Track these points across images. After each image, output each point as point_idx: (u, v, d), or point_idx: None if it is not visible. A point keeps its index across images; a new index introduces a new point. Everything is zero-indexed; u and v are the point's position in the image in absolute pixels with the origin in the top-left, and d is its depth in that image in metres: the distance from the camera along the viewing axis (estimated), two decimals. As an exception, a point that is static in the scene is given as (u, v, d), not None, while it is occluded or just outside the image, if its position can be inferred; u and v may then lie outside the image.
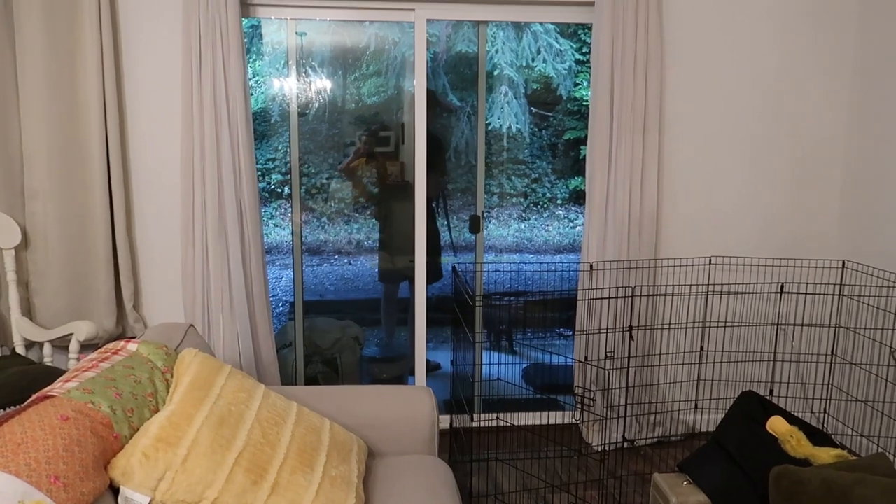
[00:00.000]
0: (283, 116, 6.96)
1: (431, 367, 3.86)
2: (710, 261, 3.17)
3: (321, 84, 6.92)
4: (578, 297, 3.00)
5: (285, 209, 7.28)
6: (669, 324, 3.14)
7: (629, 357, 2.98)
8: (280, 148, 7.26)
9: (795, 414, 2.46)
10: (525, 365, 4.00)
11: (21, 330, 2.60)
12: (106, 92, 2.68)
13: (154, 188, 2.89)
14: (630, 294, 2.97)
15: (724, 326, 3.17)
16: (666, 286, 3.13)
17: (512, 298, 4.36)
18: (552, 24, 7.17)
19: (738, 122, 3.12)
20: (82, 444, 1.31)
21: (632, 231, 3.01)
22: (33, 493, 1.13)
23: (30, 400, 1.42)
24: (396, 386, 2.16)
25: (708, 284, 3.16)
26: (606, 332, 2.98)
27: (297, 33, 3.53)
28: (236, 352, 2.81)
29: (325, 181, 6.96)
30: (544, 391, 3.71)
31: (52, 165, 2.66)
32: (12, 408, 2.20)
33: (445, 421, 3.20)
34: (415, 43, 3.07)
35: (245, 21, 2.92)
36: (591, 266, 3.01)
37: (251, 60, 6.62)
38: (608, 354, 2.96)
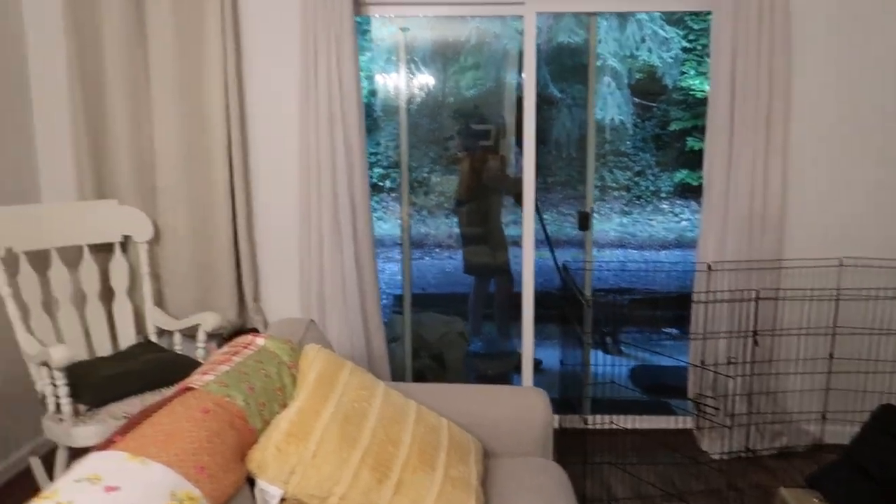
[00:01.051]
0: (385, 111, 7.08)
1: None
2: (841, 263, 2.95)
3: (423, 79, 6.98)
4: (695, 300, 2.87)
5: (386, 203, 7.42)
6: (795, 329, 2.95)
7: (751, 363, 2.83)
8: (381, 142, 7.40)
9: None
10: (632, 365, 3.89)
11: (154, 319, 2.78)
12: (229, 94, 2.80)
13: (273, 185, 3.00)
14: (754, 297, 2.81)
15: (857, 333, 2.94)
16: (792, 289, 2.94)
17: (619, 296, 4.24)
18: (659, 11, 6.89)
19: (870, 114, 2.87)
20: (222, 436, 1.37)
21: (753, 230, 2.84)
22: (183, 483, 1.19)
23: (172, 391, 1.50)
24: (509, 387, 2.14)
25: (838, 288, 2.94)
26: (728, 337, 2.84)
27: (400, 29, 3.56)
28: (349, 345, 2.88)
29: (425, 175, 7.04)
30: (653, 393, 3.58)
31: (180, 164, 2.81)
32: (149, 392, 2.36)
33: (554, 421, 3.15)
34: (524, 37, 3.02)
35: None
36: (709, 266, 2.87)
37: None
38: (731, 360, 2.82)
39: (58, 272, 2.58)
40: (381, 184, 7.44)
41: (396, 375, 3.42)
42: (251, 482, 1.46)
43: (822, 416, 3.02)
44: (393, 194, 7.32)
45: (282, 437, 1.47)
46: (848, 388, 3.00)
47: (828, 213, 2.94)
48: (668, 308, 4.19)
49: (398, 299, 4.97)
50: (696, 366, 2.92)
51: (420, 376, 3.59)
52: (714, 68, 2.84)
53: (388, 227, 6.99)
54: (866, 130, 2.89)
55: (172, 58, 2.76)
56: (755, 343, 2.81)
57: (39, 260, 2.61)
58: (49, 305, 2.64)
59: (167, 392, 2.36)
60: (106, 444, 1.25)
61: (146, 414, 1.37)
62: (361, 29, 6.30)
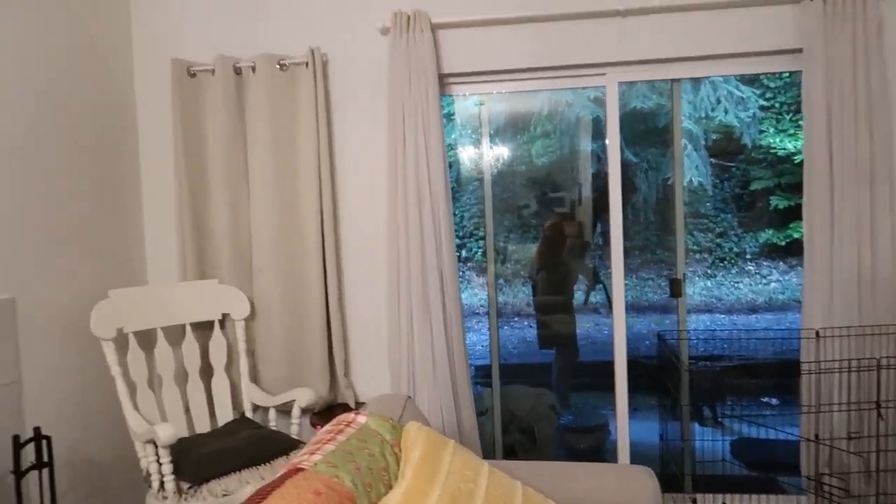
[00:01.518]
0: (460, 183, 7.21)
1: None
2: (966, 325, 2.73)
3: (496, 149, 7.10)
4: (804, 370, 2.70)
5: (462, 272, 7.46)
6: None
7: (877, 437, 2.61)
8: (457, 213, 7.50)
9: None
10: (733, 439, 3.66)
11: (250, 395, 2.83)
12: (321, 178, 2.92)
13: (362, 261, 3.06)
14: (875, 366, 2.63)
15: None
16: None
17: (713, 364, 4.05)
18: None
19: None
20: (335, 520, 1.35)
21: (863, 293, 2.68)
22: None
23: (282, 473, 1.50)
24: (614, 465, 2.05)
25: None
26: (847, 410, 2.64)
27: (480, 104, 3.66)
28: (440, 420, 2.84)
29: (501, 244, 7.06)
30: (759, 469, 3.35)
31: (275, 245, 2.92)
32: (247, 470, 2.38)
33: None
34: (606, 106, 3.04)
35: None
36: (818, 333, 2.71)
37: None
38: (852, 434, 2.62)
39: (162, 350, 2.69)
40: (458, 254, 7.51)
41: (487, 451, 3.34)
42: (361, 568, 1.43)
43: (960, 496, 2.73)
44: (469, 264, 7.36)
45: (391, 520, 1.45)
46: None
47: (944, 272, 2.75)
48: (768, 376, 3.96)
49: (479, 370, 4.91)
50: (812, 440, 2.72)
51: (510, 451, 3.49)
52: (809, 128, 2.76)
53: (465, 296, 7.00)
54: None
55: (268, 146, 2.91)
56: (879, 416, 2.60)
57: (145, 339, 2.73)
58: (153, 383, 2.74)
59: (265, 468, 2.38)
60: (225, 528, 1.26)
61: (261, 496, 1.37)
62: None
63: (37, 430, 2.18)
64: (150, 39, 3.12)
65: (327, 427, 1.80)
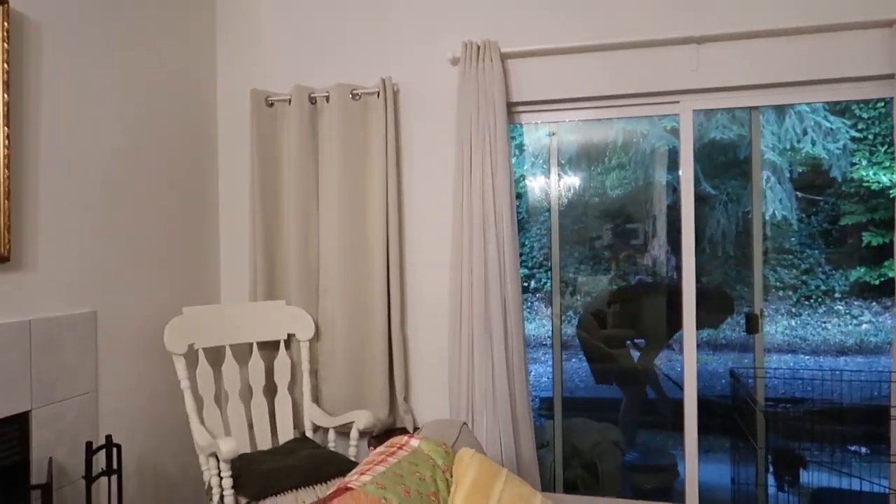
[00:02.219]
0: (530, 213, 7.17)
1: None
2: None
3: (568, 180, 7.04)
4: (894, 415, 2.50)
5: (531, 303, 7.37)
6: None
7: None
8: (526, 243, 7.45)
9: None
10: (815, 487, 3.41)
11: (311, 415, 2.87)
12: (388, 202, 2.97)
13: (426, 286, 3.08)
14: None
15: None
16: None
17: (790, 406, 3.80)
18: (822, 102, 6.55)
19: None
20: (379, 541, 1.34)
21: (962, 335, 2.47)
22: (342, 590, 1.16)
23: (332, 491, 1.50)
24: (678, 506, 1.94)
25: None
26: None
27: (549, 134, 3.64)
28: (498, 449, 2.78)
29: (571, 275, 6.94)
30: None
31: (342, 267, 2.97)
32: (304, 488, 2.40)
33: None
34: (681, 134, 2.96)
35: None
36: (909, 376, 2.51)
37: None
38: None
39: (229, 367, 2.77)
40: (525, 284, 7.45)
41: (546, 484, 3.25)
42: None
43: None
44: (538, 294, 7.26)
45: (437, 546, 1.42)
46: None
47: None
48: (855, 422, 3.68)
49: (544, 402, 4.81)
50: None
51: (571, 486, 3.38)
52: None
53: (532, 327, 6.90)
54: None
55: (339, 172, 2.98)
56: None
57: (214, 356, 2.82)
58: (219, 398, 2.82)
59: (321, 488, 2.39)
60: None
61: (307, 512, 1.37)
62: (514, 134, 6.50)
63: (108, 437, 2.27)
64: (233, 70, 3.28)
65: (380, 448, 1.79)
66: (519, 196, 7.19)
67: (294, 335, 2.96)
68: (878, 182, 6.68)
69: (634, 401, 4.13)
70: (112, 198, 2.59)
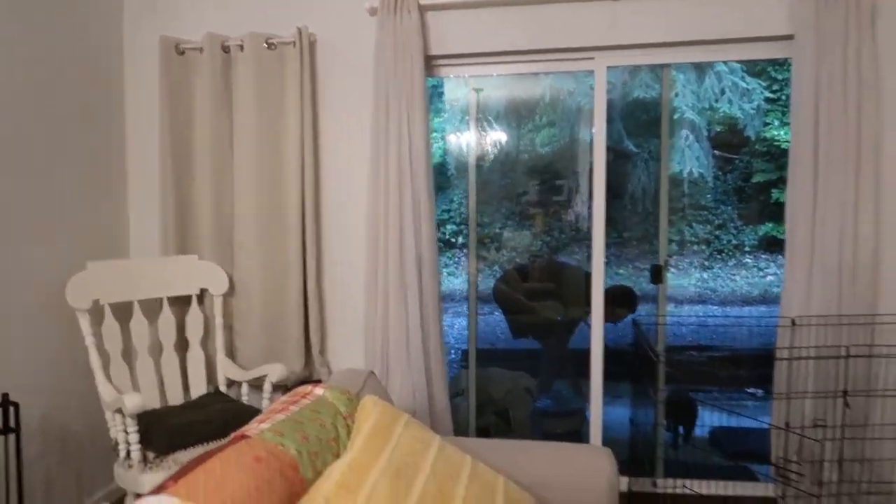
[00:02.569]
0: (458, 169, 7.19)
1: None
2: (945, 318, 2.70)
3: (496, 136, 7.07)
4: (778, 356, 2.69)
5: (458, 258, 7.45)
6: (893, 390, 2.70)
7: (842, 426, 2.60)
8: (455, 199, 7.50)
9: None
10: (712, 427, 3.66)
11: (224, 370, 2.85)
12: (304, 156, 2.92)
13: (342, 241, 3.07)
14: (844, 354, 2.61)
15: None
16: (888, 346, 2.71)
17: (696, 353, 4.03)
18: (736, 62, 6.77)
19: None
20: (272, 484, 1.36)
21: (843, 283, 2.66)
22: (228, 531, 1.18)
23: (228, 439, 1.52)
24: (573, 444, 2.05)
25: (942, 346, 2.69)
26: (815, 397, 2.63)
27: (474, 89, 3.64)
28: (411, 398, 2.85)
29: (498, 230, 7.05)
30: (734, 458, 3.35)
31: (257, 223, 2.93)
32: (215, 442, 2.40)
33: (623, 483, 2.99)
34: (594, 90, 3.02)
35: (429, 80, 3.05)
36: (793, 321, 2.69)
37: (430, 117, 6.96)
38: (818, 422, 2.61)
39: (138, 323, 2.71)
40: (453, 240, 7.50)
41: (460, 431, 3.35)
42: (300, 534, 1.44)
43: (930, 489, 2.72)
44: (465, 250, 7.35)
45: (332, 488, 1.45)
46: (960, 459, 2.70)
47: (926, 265, 2.73)
48: (751, 367, 3.94)
49: (466, 354, 4.92)
50: (780, 428, 2.71)
51: (484, 433, 3.51)
52: (795, 117, 2.73)
53: (460, 282, 7.00)
54: (965, 176, 2.69)
55: (254, 124, 2.91)
56: (846, 405, 2.59)
57: (122, 311, 2.75)
58: (128, 355, 2.76)
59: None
60: (159, 489, 1.27)
61: (200, 460, 1.38)
62: (437, 91, 6.49)
63: (4, 396, 2.21)
64: (140, 17, 3.13)
65: (283, 398, 1.81)
66: (448, 153, 7.19)
67: (207, 290, 2.91)
68: (788, 141, 7.02)
69: (551, 352, 4.28)
70: (6, 147, 2.45)
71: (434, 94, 6.56)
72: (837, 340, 2.65)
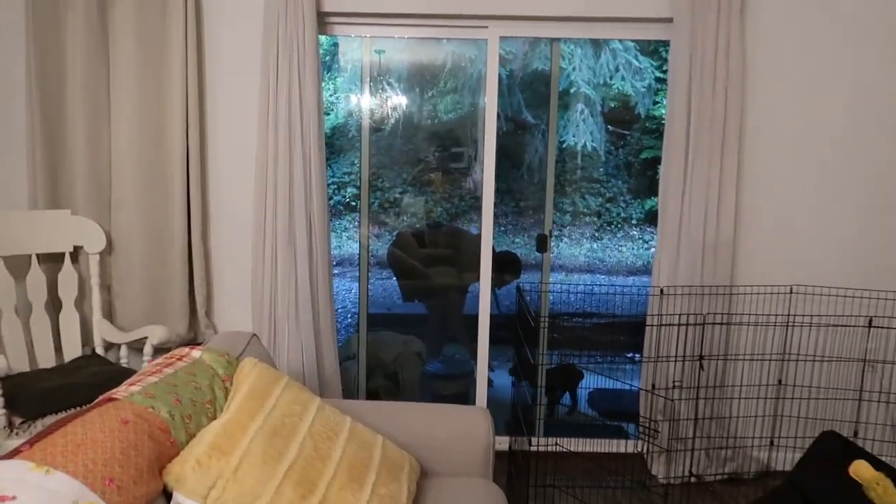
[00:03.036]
0: (359, 131, 7.11)
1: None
2: (792, 290, 2.99)
3: (397, 100, 7.02)
4: (647, 323, 2.89)
5: (359, 222, 7.41)
6: (745, 355, 2.98)
7: (699, 387, 2.84)
8: (356, 162, 7.41)
9: (881, 458, 2.27)
10: (591, 389, 3.89)
11: (101, 332, 2.74)
12: (189, 108, 2.80)
13: (229, 200, 2.99)
14: (702, 322, 2.84)
15: (806, 360, 2.98)
16: (742, 315, 2.97)
17: (580, 320, 4.24)
18: (630, 41, 7.02)
19: (821, 143, 2.94)
20: (139, 448, 1.34)
21: (706, 255, 2.88)
22: (87, 494, 1.16)
23: (95, 402, 1.47)
24: (453, 405, 2.13)
25: (788, 315, 2.98)
26: (676, 361, 2.86)
27: (375, 51, 3.59)
28: (300, 362, 2.85)
29: (398, 195, 7.05)
30: (609, 417, 3.59)
31: (137, 177, 2.80)
32: (88, 406, 2.31)
33: (504, 442, 3.14)
34: (487, 59, 3.06)
35: (327, 39, 2.99)
36: (662, 290, 2.89)
37: (332, 78, 6.80)
38: (676, 384, 2.83)
39: (3, 281, 2.54)
40: (353, 203, 7.44)
41: (350, 395, 3.40)
42: (169, 496, 1.43)
43: (771, 442, 3.04)
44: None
45: (204, 450, 1.45)
46: (797, 415, 3.03)
47: (780, 240, 2.99)
48: (629, 333, 4.20)
49: (373, 318, 4.94)
50: (644, 390, 2.93)
51: (374, 396, 3.57)
52: (671, 96, 2.90)
53: (358, 245, 6.98)
54: (818, 160, 2.95)
55: (133, 70, 2.76)
56: (701, 367, 2.83)
57: (-16, 268, 2.57)
58: (-8, 315, 2.59)
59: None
60: (12, 454, 1.23)
61: (62, 423, 1.34)
62: (337, 50, 6.34)
63: None
64: (2, -56, 2.85)
65: (157, 360, 1.77)
66: (350, 115, 7.07)
67: (82, 248, 2.76)
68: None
69: (441, 316, 4.37)
70: None
71: (335, 53, 6.41)
72: (700, 309, 2.88)
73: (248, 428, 1.55)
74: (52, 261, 2.77)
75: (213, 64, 2.93)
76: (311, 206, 2.85)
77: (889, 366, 2.94)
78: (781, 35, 2.91)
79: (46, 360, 2.65)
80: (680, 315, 2.85)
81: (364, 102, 3.46)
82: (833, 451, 2.33)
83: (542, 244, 3.26)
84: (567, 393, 3.83)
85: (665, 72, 7.62)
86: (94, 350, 2.75)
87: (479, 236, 3.16)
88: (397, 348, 3.62)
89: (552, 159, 3.34)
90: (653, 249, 7.70)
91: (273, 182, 2.81)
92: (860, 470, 2.20)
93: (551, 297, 3.38)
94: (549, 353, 3.10)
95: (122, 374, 2.47)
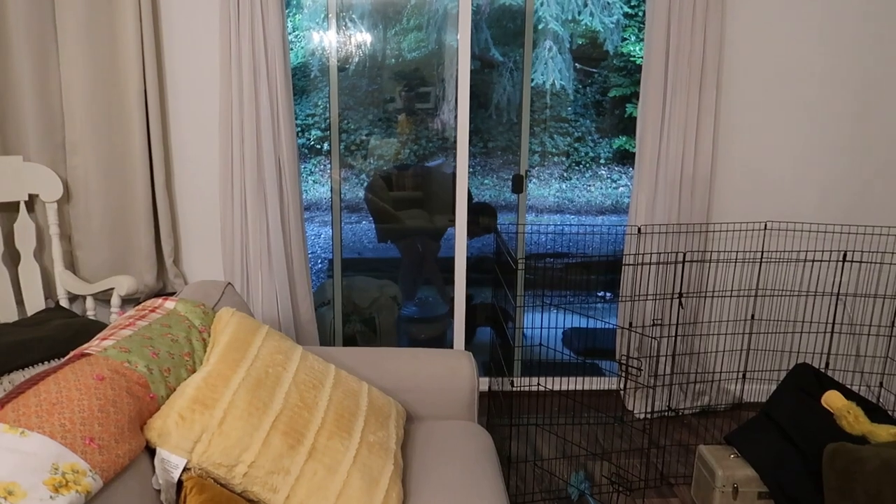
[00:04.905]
0: (322, 71, 6.84)
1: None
2: (766, 226, 3.01)
3: (361, 38, 6.77)
4: (624, 262, 2.89)
5: (325, 165, 7.23)
6: (719, 291, 3.01)
7: (676, 324, 2.88)
8: (320, 103, 7.17)
9: (851, 388, 2.34)
10: (566, 328, 3.93)
11: (64, 283, 2.62)
12: (144, 43, 2.63)
13: (193, 142, 2.85)
14: (679, 260, 2.85)
15: (778, 295, 3.03)
16: (718, 252, 2.99)
17: (554, 260, 4.25)
18: (601, -26, 6.85)
19: (798, 81, 2.92)
20: (118, 404, 1.28)
21: (683, 194, 2.87)
22: (67, 454, 1.11)
23: (66, 358, 1.40)
24: (436, 350, 2.10)
25: (762, 251, 3.01)
26: (654, 299, 2.88)
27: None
28: (275, 310, 2.79)
29: (364, 137, 6.88)
30: (585, 356, 3.63)
31: (92, 119, 2.64)
32: (55, 361, 2.23)
33: (484, 383, 3.16)
34: (459, -8, 2.93)
35: (284, -31, 2.81)
36: (639, 229, 2.88)
37: (291, 14, 6.50)
38: (656, 321, 2.86)
39: (-46, 233, 2.40)
40: (318, 146, 7.25)
41: (326, 340, 3.36)
42: (153, 452, 1.38)
43: (743, 375, 3.11)
44: (330, 157, 7.14)
45: (186, 403, 1.40)
46: (768, 348, 3.10)
47: (755, 178, 3.00)
48: (603, 272, 4.23)
49: (333, 263, 4.87)
50: (623, 328, 2.96)
51: (351, 341, 3.54)
52: (649, 32, 2.82)
53: (326, 190, 6.84)
54: (795, 98, 2.93)
55: (81, 3, 2.56)
56: (680, 305, 2.86)
57: (-67, 219, 2.42)
58: (-55, 268, 2.46)
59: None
60: (-18, 415, 1.15)
61: (33, 382, 1.27)
62: (296, -17, 6.02)
63: None
64: None
65: (129, 312, 1.69)
66: (312, 54, 6.80)
67: (37, 196, 2.62)
68: (642, 58, 7.31)
69: (415, 259, 4.33)
70: None
71: (294, -12, 6.09)
72: (677, 247, 2.89)
73: (231, 380, 1.50)
74: (5, 210, 2.62)
75: (169, -4, 2.74)
76: (280, 148, 2.73)
77: (861, 299, 3.01)
78: (762, -35, 2.83)
79: (7, 315, 2.54)
80: (658, 254, 2.85)
81: (330, 40, 3.30)
82: (806, 382, 2.39)
83: (517, 185, 3.21)
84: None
85: (633, 7, 7.49)
86: (57, 303, 2.65)
87: (451, 175, 3.10)
88: (373, 293, 3.58)
89: (527, 98, 3.26)
90: (622, 188, 7.73)
91: (239, 122, 2.68)
92: (832, 400, 2.27)
93: (526, 238, 3.35)
94: (527, 293, 3.10)
95: (89, 326, 2.38)
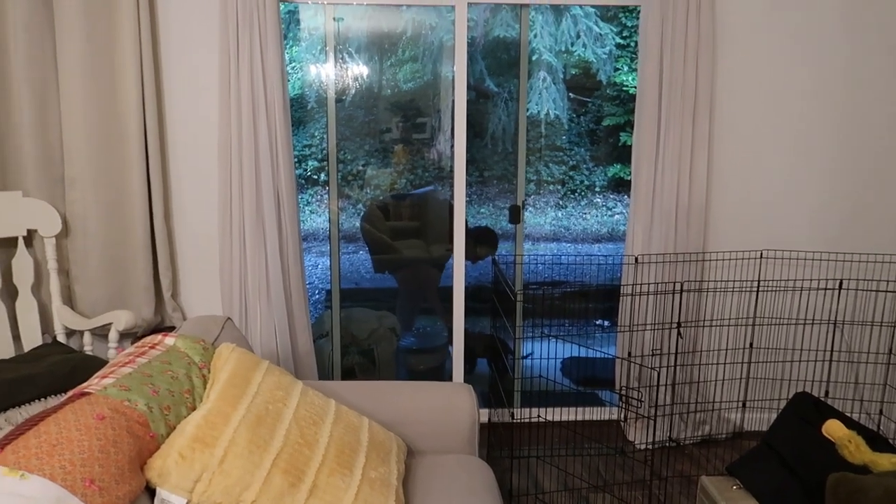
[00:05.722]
0: (319, 103, 6.92)
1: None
2: (762, 254, 3.03)
3: (357, 70, 6.85)
4: (623, 292, 2.90)
5: (321, 196, 7.27)
6: (717, 320, 3.02)
7: (676, 354, 2.88)
8: (316, 134, 7.23)
9: (851, 416, 2.33)
10: (564, 358, 3.92)
11: (62, 318, 2.61)
12: (144, 79, 2.66)
13: (192, 176, 2.87)
14: (677, 290, 2.86)
15: (776, 324, 3.04)
16: (715, 281, 3.00)
17: (551, 289, 4.25)
18: (593, 7, 6.99)
19: (791, 110, 2.96)
20: (118, 444, 1.27)
21: (679, 223, 2.89)
22: (68, 497, 1.10)
23: (66, 397, 1.39)
24: (436, 382, 2.10)
25: (759, 280, 3.02)
26: (653, 329, 2.88)
27: (334, 19, 3.47)
28: (273, 343, 2.78)
29: (361, 168, 6.92)
30: (583, 385, 3.62)
31: (92, 154, 2.65)
32: (53, 396, 2.21)
33: (483, 415, 3.14)
34: (455, 28, 2.98)
35: (282, 7, 2.86)
36: (636, 259, 2.90)
37: (288, 47, 6.58)
38: (655, 351, 2.86)
39: (-48, 269, 2.40)
40: (315, 177, 7.30)
41: (325, 373, 3.34)
42: (153, 492, 1.37)
43: (743, 404, 3.11)
44: (328, 188, 7.18)
45: (186, 442, 1.39)
46: (767, 377, 3.09)
47: (750, 206, 3.02)
48: (600, 300, 4.24)
49: (330, 294, 4.87)
50: (622, 358, 2.95)
51: (350, 373, 3.52)
52: (643, 64, 2.87)
53: (322, 220, 6.86)
54: (788, 126, 2.98)
55: (81, 40, 2.59)
56: (679, 335, 2.86)
57: (-69, 256, 2.42)
58: (-57, 305, 2.45)
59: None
60: (-18, 457, 1.14)
61: (33, 422, 1.26)
62: (294, 18, 6.14)
63: None
64: None
65: (129, 349, 1.69)
66: (309, 86, 6.87)
67: (36, 231, 2.62)
68: (635, 87, 7.42)
69: (412, 290, 4.33)
70: None
71: (290, 21, 6.20)
72: (674, 276, 2.90)
73: (231, 417, 1.49)
74: (3, 246, 2.62)
75: (168, 33, 2.78)
76: (278, 180, 2.75)
77: (858, 326, 3.02)
78: (752, 2, 2.89)
79: (4, 351, 2.52)
80: (657, 284, 2.86)
81: (329, 72, 3.35)
82: (806, 411, 2.39)
83: (514, 215, 3.23)
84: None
85: (625, 38, 7.61)
86: (55, 338, 2.63)
87: (446, 202, 3.12)
88: (371, 324, 3.57)
89: (523, 128, 3.30)
90: (618, 216, 7.77)
91: (238, 156, 2.70)
92: (832, 429, 2.26)
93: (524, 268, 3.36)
94: (525, 324, 3.10)
95: (87, 362, 2.36)
